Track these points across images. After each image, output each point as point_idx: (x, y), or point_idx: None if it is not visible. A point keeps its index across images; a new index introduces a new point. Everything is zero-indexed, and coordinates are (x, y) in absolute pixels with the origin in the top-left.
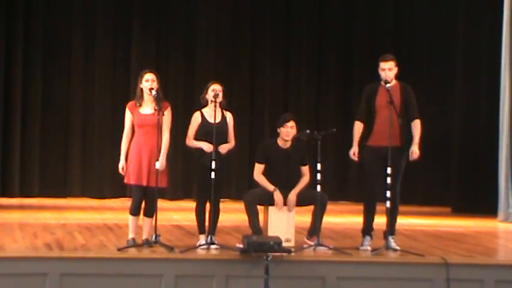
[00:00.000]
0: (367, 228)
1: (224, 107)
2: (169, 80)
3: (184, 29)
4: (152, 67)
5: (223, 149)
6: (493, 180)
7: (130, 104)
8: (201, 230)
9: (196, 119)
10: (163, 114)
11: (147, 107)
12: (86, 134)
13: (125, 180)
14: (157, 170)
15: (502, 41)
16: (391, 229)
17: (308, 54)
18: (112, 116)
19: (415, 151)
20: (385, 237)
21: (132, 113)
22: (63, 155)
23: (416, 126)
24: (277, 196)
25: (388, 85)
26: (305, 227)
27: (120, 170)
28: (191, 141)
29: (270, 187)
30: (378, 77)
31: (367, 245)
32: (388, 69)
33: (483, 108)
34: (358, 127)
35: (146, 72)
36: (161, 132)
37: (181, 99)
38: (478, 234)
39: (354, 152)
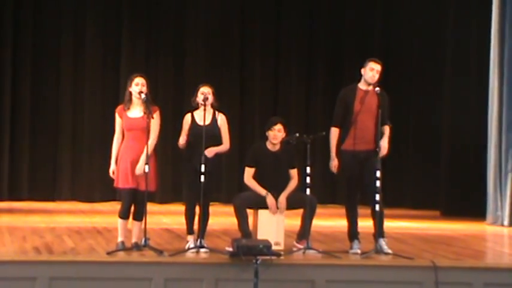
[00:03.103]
0: (353, 232)
1: (216, 108)
2: (158, 82)
3: (174, 31)
4: (142, 69)
5: (210, 152)
6: (482, 183)
7: (118, 108)
8: (190, 231)
9: (186, 121)
10: (152, 118)
11: (136, 111)
12: (76, 137)
13: (116, 184)
14: (146, 173)
15: (491, 42)
16: (381, 232)
17: (298, 57)
18: (102, 118)
19: (383, 146)
20: (376, 240)
21: (120, 117)
22: (52, 158)
23: (386, 129)
24: (270, 200)
25: (377, 89)
26: (294, 231)
27: (111, 174)
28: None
29: (262, 191)
30: (359, 77)
31: (357, 248)
32: (376, 71)
33: (472, 111)
34: (335, 134)
35: (136, 76)
36: (149, 136)
37: (170, 101)
38: (467, 238)
39: (334, 165)
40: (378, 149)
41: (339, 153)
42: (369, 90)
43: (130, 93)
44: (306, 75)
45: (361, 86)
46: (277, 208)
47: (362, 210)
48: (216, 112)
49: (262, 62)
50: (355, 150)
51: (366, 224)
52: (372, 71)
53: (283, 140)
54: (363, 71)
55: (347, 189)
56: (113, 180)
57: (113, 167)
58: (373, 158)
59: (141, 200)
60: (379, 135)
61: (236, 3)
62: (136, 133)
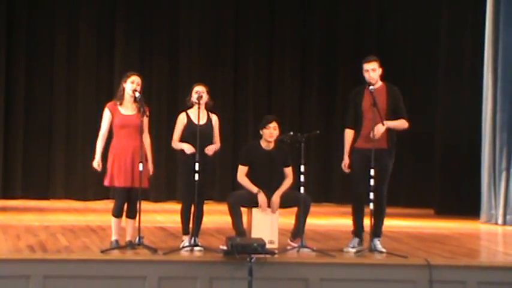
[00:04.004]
0: (358, 230)
1: (210, 108)
2: (153, 81)
3: (168, 30)
4: (136, 69)
5: (210, 150)
6: (476, 182)
7: (110, 104)
8: (185, 231)
9: (181, 120)
10: (147, 116)
11: (128, 108)
12: (69, 136)
13: (107, 183)
14: (140, 171)
15: (485, 41)
16: (376, 231)
17: (291, 55)
18: (95, 118)
19: (379, 127)
20: (370, 239)
21: (112, 113)
22: (46, 156)
23: (401, 119)
24: (261, 198)
25: (371, 87)
26: (288, 229)
27: (95, 166)
28: (175, 143)
29: (254, 189)
30: (363, 80)
31: (351, 246)
32: (371, 70)
33: (466, 110)
34: (349, 135)
35: (133, 74)
36: (142, 134)
37: (165, 100)
38: (461, 236)
39: (345, 164)
40: (392, 151)
41: (351, 152)
42: (369, 89)
43: (124, 89)
44: (300, 74)
45: (367, 85)
46: (269, 206)
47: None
48: (210, 113)
49: (256, 61)
50: (363, 149)
51: (366, 222)
52: (366, 72)
53: (277, 139)
54: (363, 73)
55: (354, 186)
56: (97, 172)
57: (98, 159)
58: (385, 157)
59: (135, 198)
60: (390, 133)
61: (230, 3)
62: (129, 131)
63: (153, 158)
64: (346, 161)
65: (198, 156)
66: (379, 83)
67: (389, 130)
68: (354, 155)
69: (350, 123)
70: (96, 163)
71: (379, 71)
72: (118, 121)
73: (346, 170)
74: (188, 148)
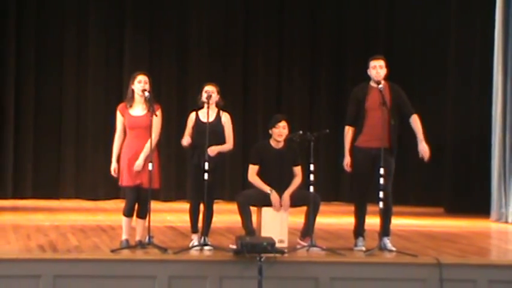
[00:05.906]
0: (359, 229)
1: (221, 107)
2: (162, 80)
3: (177, 29)
4: (145, 68)
5: (212, 151)
6: (486, 180)
7: (120, 106)
8: (194, 229)
9: (190, 119)
10: (155, 115)
11: (138, 109)
12: (79, 136)
13: (120, 183)
14: (149, 171)
15: (495, 40)
16: (385, 230)
17: (301, 54)
18: (105, 117)
19: (424, 149)
20: (380, 238)
21: (123, 115)
22: (56, 156)
23: (416, 122)
24: (274, 197)
25: (380, 86)
26: (298, 228)
27: (112, 173)
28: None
29: (266, 189)
30: (368, 78)
31: (361, 245)
32: (379, 67)
33: (475, 108)
34: (349, 133)
35: (139, 74)
36: (151, 134)
37: (174, 100)
38: (471, 234)
39: (347, 163)
40: (394, 150)
41: (352, 150)
42: (378, 87)
43: (133, 91)
44: (309, 73)
45: (372, 83)
46: (281, 205)
47: (371, 208)
48: (221, 111)
49: (265, 61)
50: (367, 148)
51: (372, 221)
52: (374, 68)
53: (286, 138)
54: (368, 71)
55: (357, 186)
56: (114, 178)
57: (114, 165)
58: (386, 156)
59: (145, 198)
60: (393, 132)
61: (239, 2)
62: (139, 131)
63: (159, 156)
64: (348, 159)
65: (207, 156)
66: (382, 82)
67: (392, 129)
68: (357, 154)
69: (351, 120)
70: (113, 169)
71: (385, 69)
72: (128, 122)
73: (348, 169)
74: (186, 141)
